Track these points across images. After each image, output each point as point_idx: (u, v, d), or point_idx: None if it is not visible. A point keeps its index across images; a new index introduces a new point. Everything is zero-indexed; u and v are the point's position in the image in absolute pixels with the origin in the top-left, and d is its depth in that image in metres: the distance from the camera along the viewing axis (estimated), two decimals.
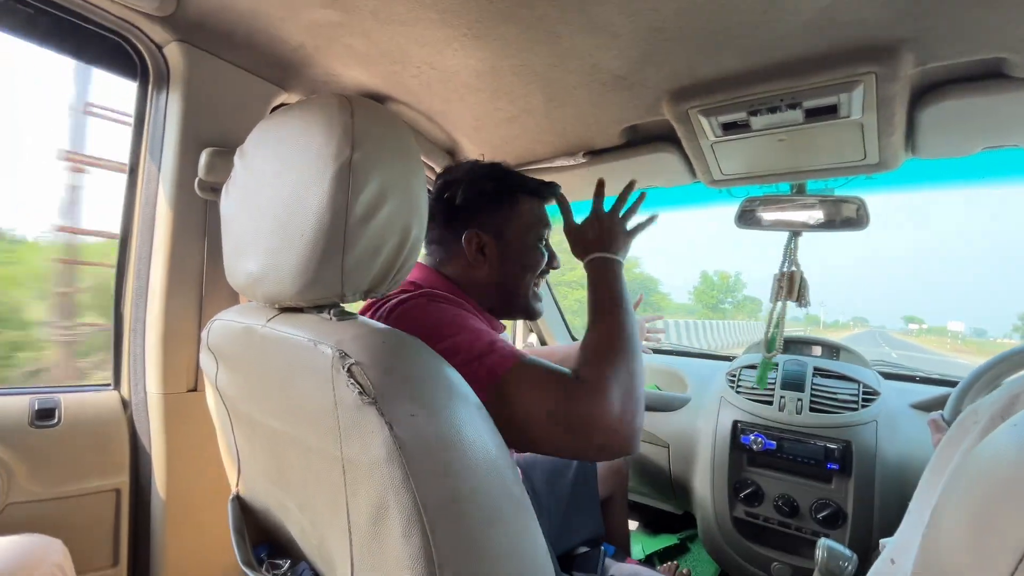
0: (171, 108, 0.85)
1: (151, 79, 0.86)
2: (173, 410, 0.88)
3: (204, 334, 0.68)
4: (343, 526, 0.47)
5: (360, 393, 0.42)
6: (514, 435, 0.58)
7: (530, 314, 0.86)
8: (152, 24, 0.79)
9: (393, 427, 0.41)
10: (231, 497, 0.72)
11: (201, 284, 0.89)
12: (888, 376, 1.39)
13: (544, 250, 0.84)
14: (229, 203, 0.61)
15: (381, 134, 0.50)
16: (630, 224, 0.84)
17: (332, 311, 0.52)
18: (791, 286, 1.15)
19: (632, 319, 0.71)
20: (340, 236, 0.48)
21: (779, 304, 1.22)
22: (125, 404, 0.90)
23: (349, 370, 0.44)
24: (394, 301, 0.69)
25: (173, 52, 0.83)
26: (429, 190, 0.66)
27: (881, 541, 0.68)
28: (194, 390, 0.90)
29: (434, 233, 0.82)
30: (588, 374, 0.62)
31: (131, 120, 0.88)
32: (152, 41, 0.82)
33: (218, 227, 0.89)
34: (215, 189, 0.86)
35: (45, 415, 0.81)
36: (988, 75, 0.73)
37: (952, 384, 1.35)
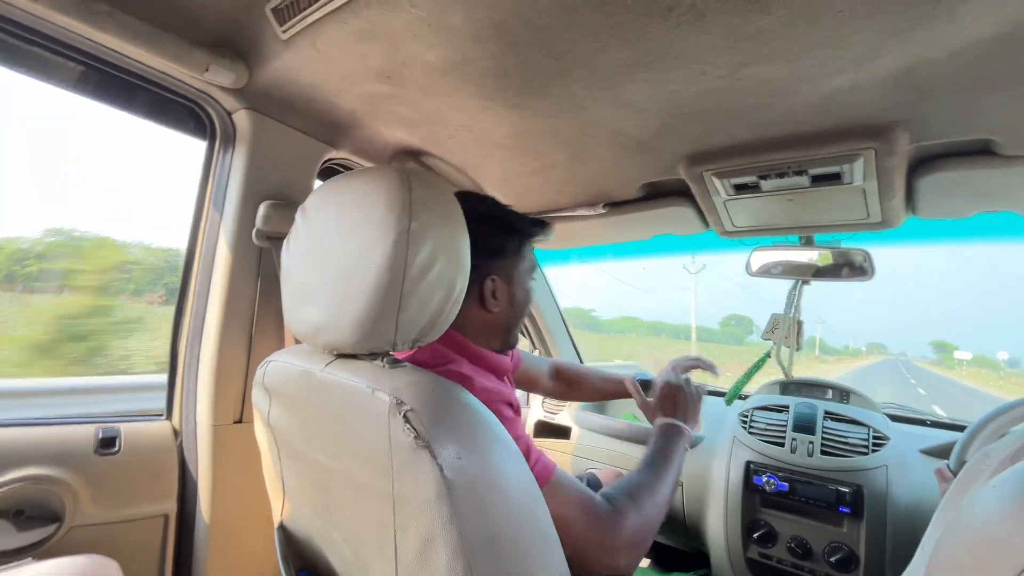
0: (235, 165, 0.94)
1: (218, 140, 0.96)
2: (220, 440, 0.94)
3: (260, 373, 0.74)
4: (390, 557, 0.52)
5: (416, 437, 0.48)
6: None
7: (512, 346, 0.91)
8: (225, 95, 0.89)
9: (443, 468, 0.46)
10: (277, 526, 0.78)
11: (252, 324, 0.97)
12: (896, 419, 1.42)
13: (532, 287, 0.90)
14: (291, 256, 0.68)
15: (434, 204, 0.58)
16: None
17: (385, 359, 0.59)
18: (790, 331, 1.20)
19: (674, 486, 0.82)
20: (397, 294, 0.55)
21: (779, 347, 1.27)
22: (176, 433, 0.97)
23: (405, 416, 0.49)
24: None
25: (241, 118, 0.93)
26: None
27: None
28: (239, 421, 0.97)
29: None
30: (622, 503, 0.71)
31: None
32: (224, 108, 0.93)
33: (269, 273, 0.98)
34: (270, 238, 0.95)
35: (108, 443, 0.88)
36: (978, 152, 0.80)
37: (961, 428, 1.37)
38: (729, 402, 1.32)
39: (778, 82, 0.70)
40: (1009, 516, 0.31)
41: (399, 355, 0.79)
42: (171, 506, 0.93)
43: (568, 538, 0.63)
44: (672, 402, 0.96)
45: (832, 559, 1.15)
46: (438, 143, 1.06)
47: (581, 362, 2.07)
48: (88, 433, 0.87)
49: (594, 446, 1.66)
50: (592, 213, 1.24)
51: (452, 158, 1.15)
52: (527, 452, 0.67)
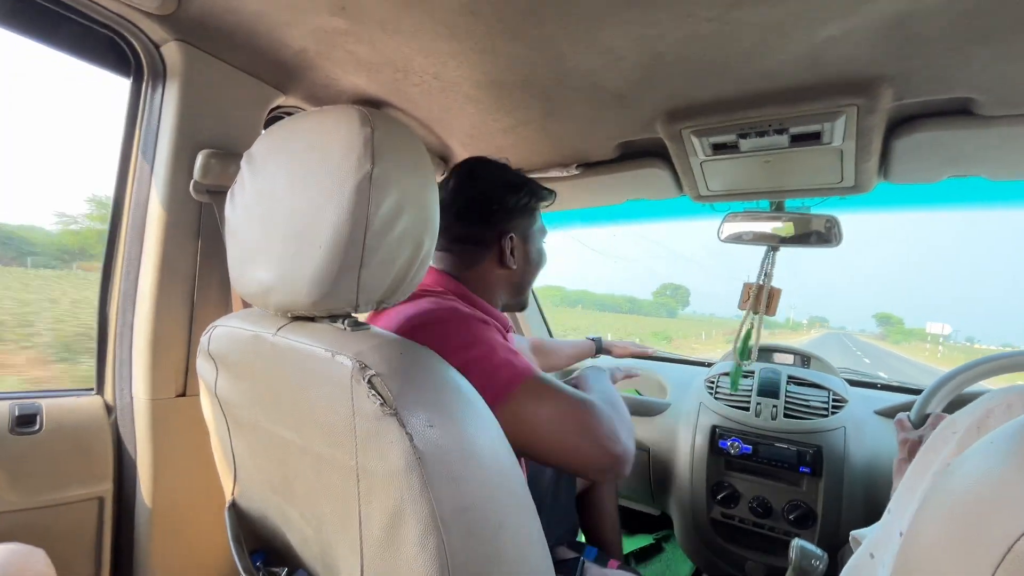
0: (166, 108, 0.83)
1: (145, 77, 0.84)
2: (160, 416, 0.86)
3: (204, 340, 0.67)
4: (354, 534, 0.48)
5: (382, 404, 0.43)
6: (525, 445, 0.63)
7: (524, 305, 0.96)
8: (151, 22, 0.77)
9: (413, 437, 0.42)
10: (227, 505, 0.72)
11: (193, 288, 0.87)
12: (853, 383, 1.48)
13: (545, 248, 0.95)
14: (236, 209, 0.60)
15: (399, 148, 0.51)
16: None
17: (345, 321, 0.53)
18: (763, 298, 1.20)
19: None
20: (359, 248, 0.48)
21: (751, 315, 1.27)
22: (109, 409, 0.87)
23: (370, 381, 0.44)
24: (412, 311, 0.70)
25: (171, 51, 0.81)
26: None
27: (852, 533, 0.73)
28: (183, 395, 0.88)
29: (465, 231, 0.85)
30: (598, 400, 0.71)
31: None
32: (149, 39, 0.80)
33: (212, 230, 0.88)
34: (210, 191, 0.85)
35: (26, 421, 0.78)
36: (956, 112, 0.80)
37: (910, 391, 1.44)
38: (744, 357, 1.33)
39: (768, 28, 0.66)
40: (1010, 474, 0.30)
41: (423, 286, 0.79)
42: (106, 488, 0.85)
43: (567, 436, 0.64)
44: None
45: (791, 516, 1.19)
46: (401, 92, 0.97)
47: (551, 335, 2.05)
48: (1, 410, 0.77)
49: None
50: (565, 174, 1.19)
51: (417, 111, 1.06)
52: (506, 359, 0.67)
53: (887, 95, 0.75)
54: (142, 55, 0.82)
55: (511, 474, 0.51)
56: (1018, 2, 0.57)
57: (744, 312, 1.25)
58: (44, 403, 0.81)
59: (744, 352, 1.28)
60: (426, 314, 0.70)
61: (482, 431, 0.49)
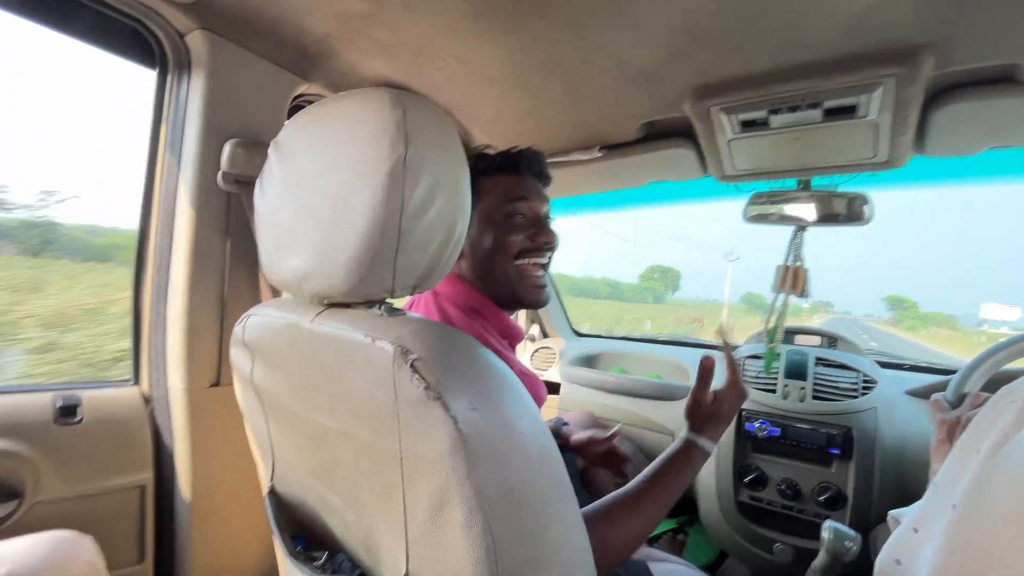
0: (192, 98, 0.83)
1: (170, 68, 0.84)
2: (196, 405, 0.87)
3: (239, 329, 0.67)
4: (398, 518, 0.48)
5: (426, 388, 0.43)
6: None
7: (529, 302, 0.82)
8: (174, 11, 0.77)
9: (457, 421, 0.42)
10: (267, 491, 0.73)
11: (224, 278, 0.88)
12: (883, 365, 1.45)
13: (522, 225, 0.80)
14: (266, 198, 0.60)
15: (432, 130, 0.50)
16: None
17: (382, 307, 0.53)
18: (795, 280, 1.18)
19: (670, 505, 0.70)
20: (395, 233, 0.48)
21: (781, 296, 1.25)
22: (146, 400, 0.89)
23: (412, 365, 0.44)
24: None
25: (195, 40, 0.81)
26: None
27: (891, 513, 0.72)
28: (216, 384, 0.89)
29: None
30: (609, 527, 0.64)
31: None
32: (174, 28, 0.80)
33: (241, 220, 0.88)
34: (239, 181, 0.85)
35: (68, 412, 0.80)
36: (1000, 79, 0.77)
37: (942, 372, 1.41)
38: (772, 341, 1.29)
39: None
40: None
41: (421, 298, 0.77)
42: (147, 476, 0.87)
43: None
44: (715, 418, 0.78)
45: (821, 498, 1.18)
46: (423, 77, 0.96)
47: (572, 330, 2.05)
48: (44, 402, 0.78)
49: (582, 400, 1.66)
50: (587, 157, 1.18)
51: (439, 97, 1.05)
52: None
53: (928, 64, 0.73)
54: (166, 45, 0.82)
55: (551, 456, 0.50)
56: None
57: (775, 295, 1.23)
58: (84, 394, 0.82)
59: (774, 334, 1.26)
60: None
61: (523, 414, 0.48)
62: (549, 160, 1.24)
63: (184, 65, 0.83)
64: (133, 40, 0.81)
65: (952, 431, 0.72)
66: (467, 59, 0.88)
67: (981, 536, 0.33)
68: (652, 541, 1.77)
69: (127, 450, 0.85)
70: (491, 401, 0.46)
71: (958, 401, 0.79)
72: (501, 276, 0.79)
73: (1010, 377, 0.63)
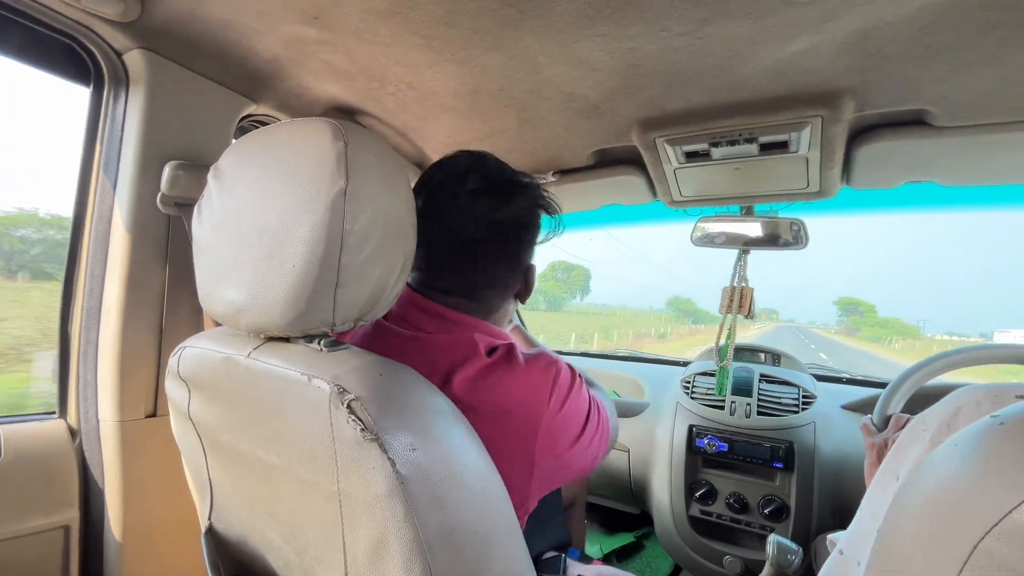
0: (130, 118, 0.79)
1: (106, 86, 0.80)
2: (129, 438, 0.82)
3: (173, 361, 0.64)
4: (338, 560, 0.47)
5: (363, 430, 0.42)
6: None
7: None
8: (112, 30, 0.74)
9: (395, 463, 0.41)
10: (204, 529, 0.69)
11: (163, 304, 0.84)
12: (820, 379, 1.53)
13: None
14: (203, 226, 0.58)
15: (373, 162, 0.50)
16: None
17: (322, 341, 0.52)
18: (742, 300, 1.24)
19: None
20: (334, 267, 0.47)
21: (729, 316, 1.31)
22: (73, 433, 0.83)
23: (349, 406, 0.43)
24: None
25: (134, 59, 0.78)
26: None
27: (829, 537, 0.76)
28: (153, 415, 0.85)
29: (489, 268, 0.67)
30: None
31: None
32: (111, 47, 0.77)
33: (182, 244, 0.85)
34: (179, 204, 0.82)
35: None
36: (912, 122, 0.84)
37: (875, 384, 1.50)
38: (724, 359, 1.35)
39: (738, 42, 0.68)
40: (977, 473, 0.32)
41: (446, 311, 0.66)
42: (72, 516, 0.81)
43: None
44: None
45: (766, 511, 1.23)
46: (376, 101, 0.96)
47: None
48: None
49: None
50: (542, 181, 1.20)
51: (392, 119, 1.05)
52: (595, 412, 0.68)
53: (849, 106, 0.79)
54: (103, 63, 0.78)
55: (495, 491, 0.50)
56: (968, 22, 0.60)
57: (723, 315, 1.28)
58: (2, 429, 0.76)
59: (725, 353, 1.31)
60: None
61: (465, 450, 0.48)
62: None
63: (121, 83, 0.80)
64: (66, 56, 0.77)
65: (881, 453, 0.76)
66: (420, 87, 0.88)
67: (898, 554, 0.36)
68: (611, 556, 1.79)
69: (50, 488, 0.79)
70: (432, 439, 0.45)
71: (884, 423, 0.83)
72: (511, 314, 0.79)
73: (936, 394, 0.68)
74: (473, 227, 0.64)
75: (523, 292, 0.72)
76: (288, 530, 0.56)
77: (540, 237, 0.72)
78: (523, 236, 0.68)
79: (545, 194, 0.71)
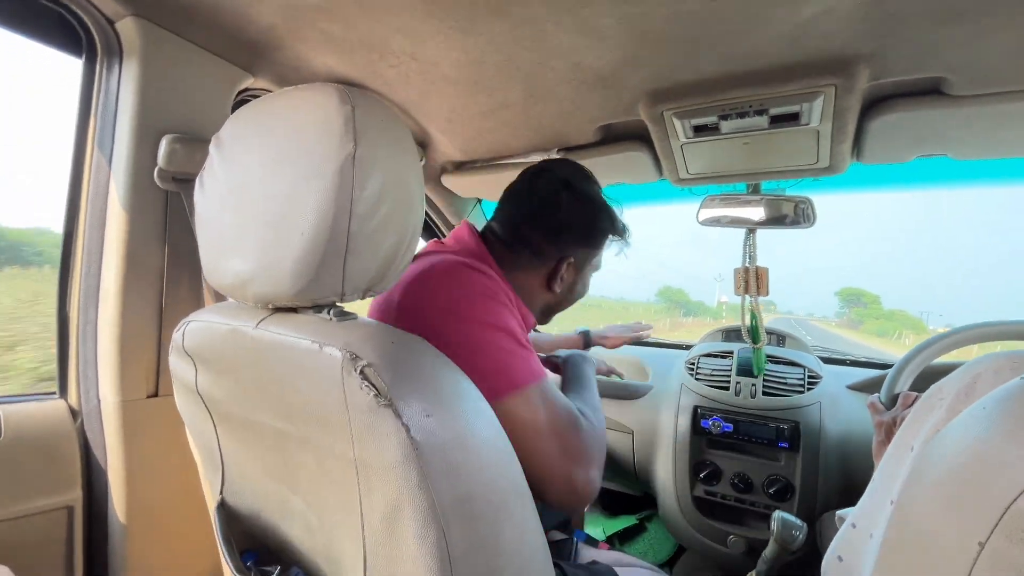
0: (124, 90, 0.77)
1: (99, 57, 0.78)
2: (132, 418, 0.81)
3: (178, 336, 0.63)
4: (356, 525, 0.47)
5: (376, 395, 0.42)
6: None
7: (544, 323, 0.91)
8: None
9: (410, 429, 0.41)
10: (216, 504, 0.69)
11: (162, 282, 0.83)
12: (825, 360, 1.53)
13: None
14: (206, 197, 0.56)
15: (383, 128, 0.49)
16: None
17: (331, 311, 0.51)
18: (758, 280, 1.22)
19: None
20: (344, 235, 0.46)
21: (747, 298, 1.29)
22: (74, 413, 0.82)
23: (362, 372, 0.42)
24: (435, 264, 0.68)
25: (127, 27, 0.75)
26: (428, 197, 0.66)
27: (838, 513, 0.76)
28: (155, 395, 0.84)
29: (529, 233, 0.80)
30: (596, 423, 0.74)
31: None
32: (102, 14, 0.74)
33: (181, 220, 0.83)
34: (177, 179, 0.80)
35: None
36: (927, 92, 0.82)
37: (879, 366, 1.50)
38: (757, 339, 1.32)
39: (752, 5, 0.66)
40: (1007, 433, 0.31)
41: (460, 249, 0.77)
42: (75, 496, 0.80)
43: (546, 447, 0.64)
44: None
45: (771, 490, 1.23)
46: (376, 75, 0.94)
47: (534, 330, 2.06)
48: None
49: None
50: (546, 158, 1.18)
51: (393, 94, 1.02)
52: (521, 351, 0.67)
53: (863, 75, 0.77)
54: (95, 32, 0.76)
55: (508, 461, 0.50)
56: None
57: (740, 297, 1.27)
58: (2, 409, 0.75)
59: (757, 334, 1.30)
60: (451, 270, 0.68)
61: (479, 419, 0.48)
62: (508, 161, 1.24)
63: (115, 54, 0.77)
64: (56, 25, 0.74)
65: (890, 431, 0.76)
66: (422, 58, 0.86)
67: (917, 523, 0.35)
68: (614, 539, 1.80)
69: (52, 468, 0.79)
70: (445, 407, 0.45)
71: (891, 402, 0.83)
72: (558, 309, 0.88)
73: (940, 371, 0.67)
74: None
75: (551, 278, 0.80)
76: (310, 495, 0.55)
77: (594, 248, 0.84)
78: (571, 223, 0.80)
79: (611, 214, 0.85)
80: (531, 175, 0.84)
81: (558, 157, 0.88)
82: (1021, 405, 0.31)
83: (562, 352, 0.99)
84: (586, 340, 1.37)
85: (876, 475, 0.61)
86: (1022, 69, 0.72)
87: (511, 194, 0.84)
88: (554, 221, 0.79)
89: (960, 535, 0.29)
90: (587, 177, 0.84)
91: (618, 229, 0.87)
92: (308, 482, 0.54)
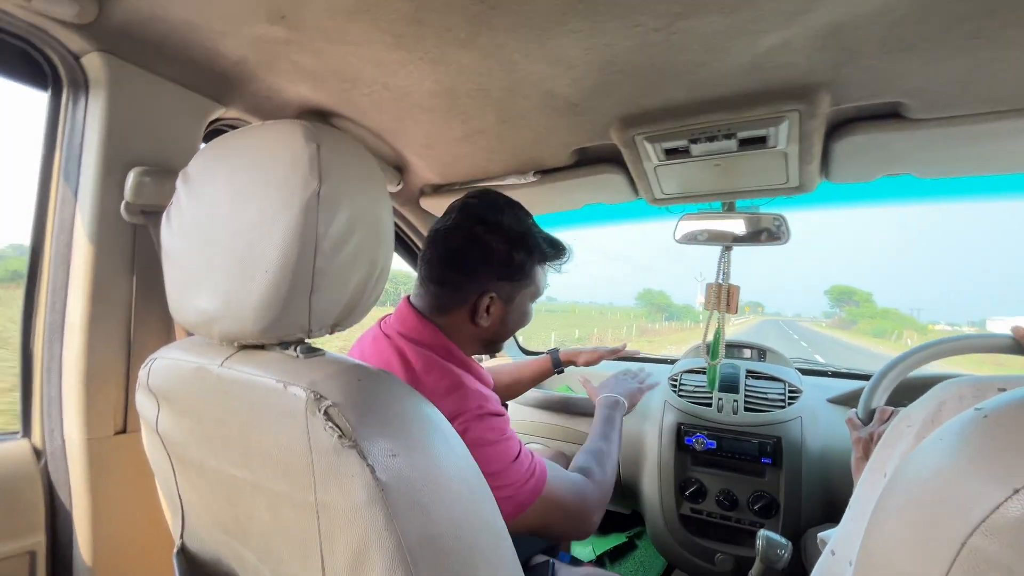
0: (90, 123, 0.76)
1: (64, 90, 0.77)
2: (98, 456, 0.79)
3: (143, 373, 0.62)
4: (316, 574, 0.45)
5: (340, 437, 0.41)
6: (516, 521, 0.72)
7: (493, 352, 0.93)
8: (68, 32, 0.71)
9: (375, 469, 0.40)
10: (175, 550, 0.67)
11: (130, 316, 0.81)
12: (805, 372, 1.54)
13: (532, 310, 0.91)
14: (172, 233, 0.56)
15: (348, 164, 0.49)
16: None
17: (298, 348, 0.50)
18: (728, 298, 1.24)
19: (619, 448, 0.97)
20: (308, 272, 0.46)
21: (716, 314, 1.31)
22: (38, 454, 0.80)
23: (326, 412, 0.42)
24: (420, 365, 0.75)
25: (93, 62, 0.75)
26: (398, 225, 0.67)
27: (820, 535, 0.76)
28: (123, 432, 0.82)
29: (444, 273, 0.81)
30: (595, 472, 0.85)
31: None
32: (68, 50, 0.74)
33: (149, 254, 0.82)
34: (145, 212, 0.79)
35: None
36: (887, 115, 0.84)
37: (860, 377, 1.52)
38: (715, 356, 1.32)
39: (712, 37, 0.68)
40: (961, 468, 0.31)
41: (404, 331, 0.80)
42: (38, 540, 0.77)
43: (563, 524, 0.76)
44: (611, 383, 1.15)
45: (755, 507, 1.23)
46: (350, 103, 0.94)
47: (519, 347, 2.05)
48: None
49: (529, 420, 1.66)
50: (523, 182, 1.19)
51: (368, 121, 1.03)
52: (524, 458, 0.73)
53: (825, 100, 0.79)
54: (60, 67, 0.75)
55: (481, 497, 0.49)
56: (938, 14, 0.60)
57: (708, 313, 1.28)
58: None
59: (715, 351, 1.31)
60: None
61: (448, 456, 0.47)
62: (485, 183, 1.25)
63: (80, 87, 0.77)
64: (20, 60, 0.73)
65: (867, 448, 0.76)
66: (394, 87, 0.87)
67: (883, 553, 0.35)
68: (604, 557, 1.78)
69: (14, 512, 0.76)
70: (413, 445, 0.44)
71: (869, 417, 0.83)
72: (499, 341, 0.88)
73: (920, 385, 0.68)
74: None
75: (474, 314, 0.81)
76: (262, 547, 0.54)
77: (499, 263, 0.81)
78: (485, 259, 0.80)
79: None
80: (446, 214, 0.83)
81: (481, 190, 0.88)
82: (975, 437, 0.32)
83: (605, 392, 1.10)
84: (554, 362, 1.33)
85: (853, 499, 0.61)
86: (975, 93, 0.75)
87: (431, 236, 0.83)
88: (467, 259, 0.79)
89: (921, 568, 0.29)
90: (503, 208, 0.82)
91: (544, 257, 0.85)
92: (260, 535, 0.53)
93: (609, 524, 1.91)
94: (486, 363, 1.84)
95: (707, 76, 0.77)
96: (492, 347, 0.88)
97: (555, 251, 0.87)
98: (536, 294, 0.88)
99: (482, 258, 0.79)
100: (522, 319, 0.87)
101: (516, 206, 0.84)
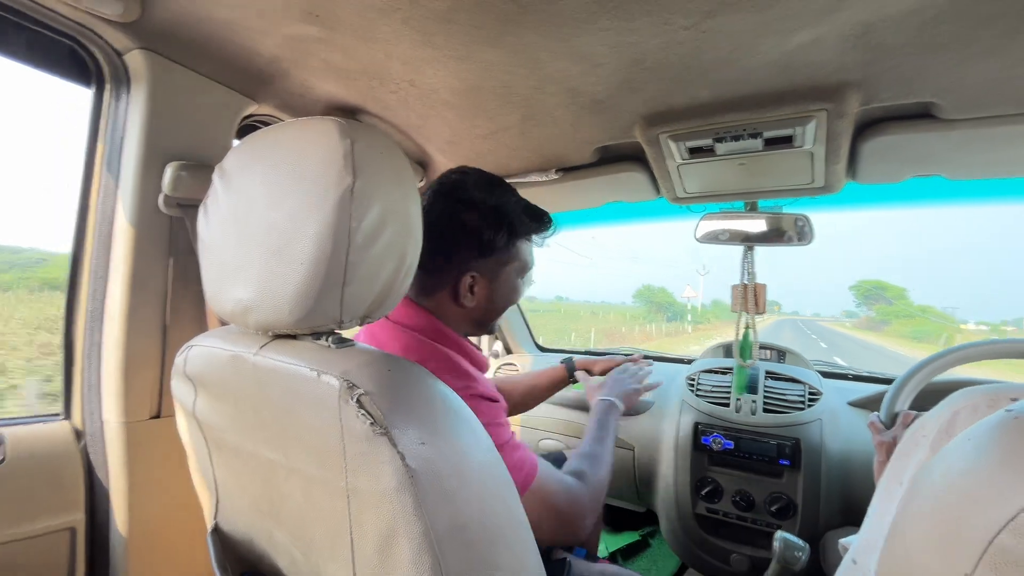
0: (131, 118, 0.79)
1: (107, 86, 0.80)
2: (134, 439, 0.82)
3: (180, 360, 0.64)
4: (345, 556, 0.47)
5: (372, 424, 0.42)
6: None
7: (487, 332, 0.93)
8: (112, 30, 0.74)
9: (405, 456, 0.41)
10: (210, 530, 0.69)
11: (165, 305, 0.84)
12: (826, 375, 1.52)
13: (524, 285, 0.88)
14: (210, 225, 0.58)
15: (380, 160, 0.50)
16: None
17: (330, 338, 0.52)
18: (756, 297, 1.23)
19: (613, 450, 0.95)
20: (342, 264, 0.48)
21: (744, 315, 1.30)
22: (78, 435, 0.83)
23: (358, 400, 0.43)
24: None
25: (135, 60, 0.78)
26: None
27: (840, 542, 0.75)
28: (158, 416, 0.85)
29: (425, 259, 0.77)
30: (588, 473, 0.83)
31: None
32: (112, 47, 0.77)
33: (185, 245, 0.85)
34: (182, 205, 0.82)
35: None
36: (918, 116, 0.83)
37: (881, 381, 1.49)
38: (746, 357, 1.33)
39: (742, 35, 0.68)
40: (992, 467, 0.31)
41: (393, 318, 0.79)
42: (78, 517, 0.81)
43: (552, 524, 0.73)
44: (608, 383, 1.11)
45: (772, 508, 1.22)
46: (377, 99, 0.96)
47: (536, 344, 2.06)
48: None
49: (542, 415, 1.67)
50: (545, 179, 1.20)
51: (394, 117, 1.04)
52: (514, 447, 0.73)
53: (854, 100, 0.78)
54: (104, 64, 0.78)
55: (505, 488, 0.50)
56: (972, 14, 0.60)
57: (737, 314, 1.27)
58: (7, 431, 0.77)
59: (746, 352, 1.30)
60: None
61: (475, 446, 0.48)
62: (508, 180, 1.25)
63: (123, 83, 0.80)
64: (67, 57, 0.77)
65: (890, 451, 0.75)
66: (421, 84, 0.88)
67: (905, 557, 0.35)
68: (616, 555, 1.78)
69: (56, 490, 0.80)
70: (441, 434, 0.46)
71: (891, 421, 0.82)
72: (490, 319, 0.86)
73: (944, 389, 0.67)
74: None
75: (456, 295, 0.79)
76: (294, 529, 0.56)
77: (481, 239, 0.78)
78: (460, 238, 0.78)
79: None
80: (424, 195, 0.78)
81: (470, 169, 0.83)
82: (1006, 438, 0.32)
83: (599, 395, 1.06)
84: (569, 371, 1.29)
85: (871, 509, 0.61)
86: (1008, 94, 0.74)
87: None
88: (442, 240, 0.76)
89: (947, 568, 0.29)
90: (477, 184, 0.79)
91: (526, 229, 0.82)
92: (293, 516, 0.54)
93: (622, 521, 1.91)
94: (503, 374, 1.86)
95: (735, 74, 0.77)
96: (484, 326, 0.86)
97: (536, 223, 0.84)
98: (524, 269, 0.85)
99: (458, 237, 0.77)
100: (511, 295, 0.85)
101: (492, 179, 0.82)
